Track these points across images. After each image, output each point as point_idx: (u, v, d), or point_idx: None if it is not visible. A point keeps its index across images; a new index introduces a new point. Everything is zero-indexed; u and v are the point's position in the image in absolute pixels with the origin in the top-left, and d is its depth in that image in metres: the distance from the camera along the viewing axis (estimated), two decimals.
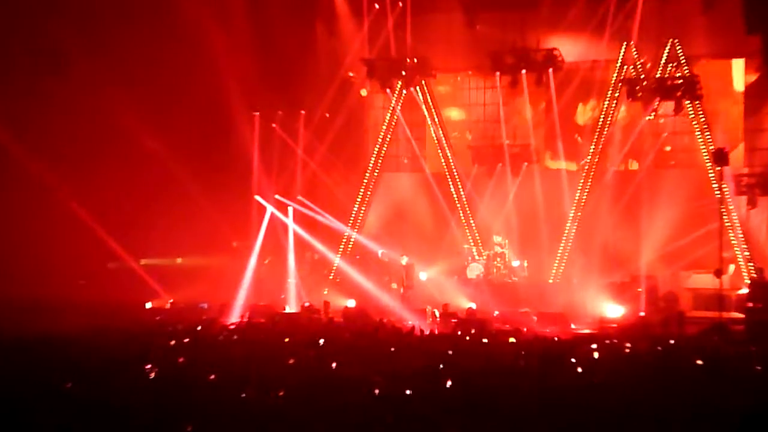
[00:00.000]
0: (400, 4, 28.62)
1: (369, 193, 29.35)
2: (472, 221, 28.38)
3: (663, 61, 26.54)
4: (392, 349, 14.45)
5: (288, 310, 25.10)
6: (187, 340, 15.54)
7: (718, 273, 21.40)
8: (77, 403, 9.72)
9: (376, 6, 28.83)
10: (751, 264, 25.06)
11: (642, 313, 23.08)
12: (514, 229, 27.58)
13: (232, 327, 18.84)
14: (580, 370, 12.56)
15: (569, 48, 27.43)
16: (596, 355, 14.31)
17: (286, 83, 28.45)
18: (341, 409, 9.56)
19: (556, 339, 16.93)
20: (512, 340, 16.65)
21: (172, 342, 15.01)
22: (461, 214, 28.50)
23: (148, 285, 25.90)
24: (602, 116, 27.52)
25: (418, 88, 28.81)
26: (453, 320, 21.49)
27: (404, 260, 25.78)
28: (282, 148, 29.14)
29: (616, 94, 27.20)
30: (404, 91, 28.97)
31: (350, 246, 28.81)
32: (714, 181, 25.12)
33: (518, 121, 29.55)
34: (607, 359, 13.95)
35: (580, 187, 27.32)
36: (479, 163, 29.14)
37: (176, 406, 9.67)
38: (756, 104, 27.44)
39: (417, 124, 30.01)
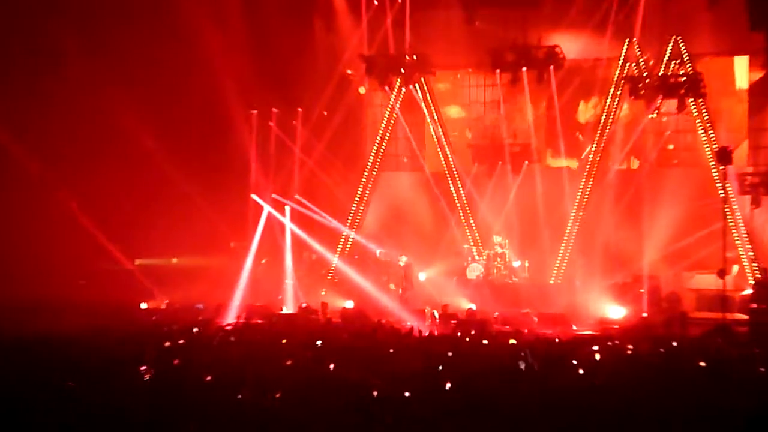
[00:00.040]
0: (399, 0, 28.64)
1: (367, 192, 29.33)
2: (472, 221, 28.37)
3: (666, 58, 26.52)
4: (391, 350, 14.47)
5: (285, 310, 25.10)
6: (182, 341, 15.54)
7: (722, 273, 21.43)
8: (72, 405, 9.73)
9: (375, 2, 28.80)
10: (755, 264, 25.04)
11: (644, 314, 23.10)
12: (515, 228, 27.57)
13: (229, 328, 18.85)
14: (581, 371, 12.58)
15: (571, 45, 27.41)
16: (598, 356, 14.33)
17: (284, 81, 28.45)
18: (339, 411, 9.57)
19: (557, 340, 16.95)
20: (513, 341, 16.66)
21: (168, 343, 15.01)
22: (461, 214, 28.49)
23: (144, 285, 25.91)
24: (604, 114, 27.52)
25: (417, 85, 28.79)
26: (453, 321, 21.51)
27: (403, 260, 25.79)
28: (279, 146, 29.17)
29: (619, 92, 27.19)
30: (403, 89, 28.96)
31: (348, 246, 28.81)
32: (717, 180, 25.07)
33: (519, 120, 29.57)
34: (609, 361, 13.97)
35: (581, 187, 27.33)
36: (479, 161, 29.13)
37: (172, 407, 9.68)
38: (760, 102, 27.43)
39: (416, 123, 30.00)
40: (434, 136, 29.37)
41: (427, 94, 29.03)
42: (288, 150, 29.21)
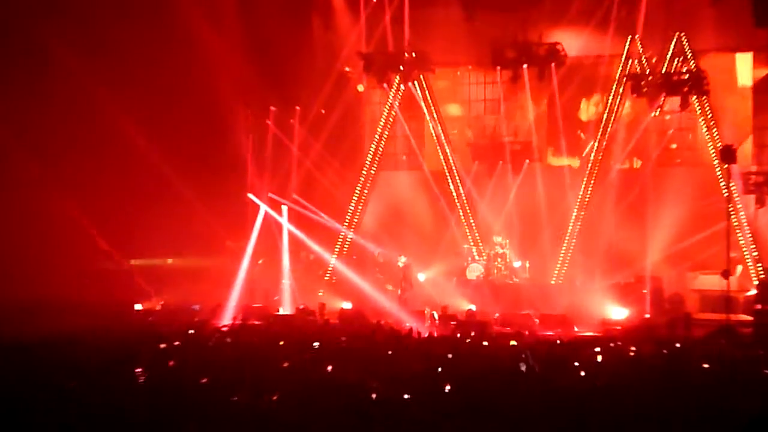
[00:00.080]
0: None
1: (366, 191, 29.33)
2: (472, 220, 28.38)
3: (669, 55, 26.52)
4: (390, 352, 14.46)
5: (282, 311, 25.09)
6: (178, 342, 15.53)
7: (726, 274, 21.40)
8: (66, 407, 9.73)
9: None
10: (760, 265, 25.02)
11: (647, 316, 23.09)
12: (516, 228, 27.57)
13: (225, 329, 18.84)
14: (583, 373, 12.57)
15: (572, 42, 27.43)
16: (600, 358, 14.32)
17: (281, 79, 28.43)
18: (337, 414, 9.57)
19: (558, 342, 16.94)
20: (513, 343, 16.65)
21: (163, 345, 15.00)
22: (461, 213, 28.49)
23: (139, 286, 25.90)
24: (606, 112, 27.53)
25: (416, 83, 28.79)
26: (452, 322, 21.51)
27: (402, 261, 25.78)
28: (276, 145, 29.16)
29: (621, 90, 27.19)
30: (402, 87, 28.96)
31: (347, 246, 28.81)
32: (721, 180, 25.11)
33: (520, 118, 29.58)
34: (611, 363, 13.97)
35: (583, 186, 27.33)
36: (479, 160, 29.15)
37: (167, 410, 9.68)
38: (765, 100, 27.48)
39: (415, 121, 30.01)
40: (433, 135, 29.36)
41: (427, 92, 29.03)
42: (285, 149, 29.21)
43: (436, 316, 22.60)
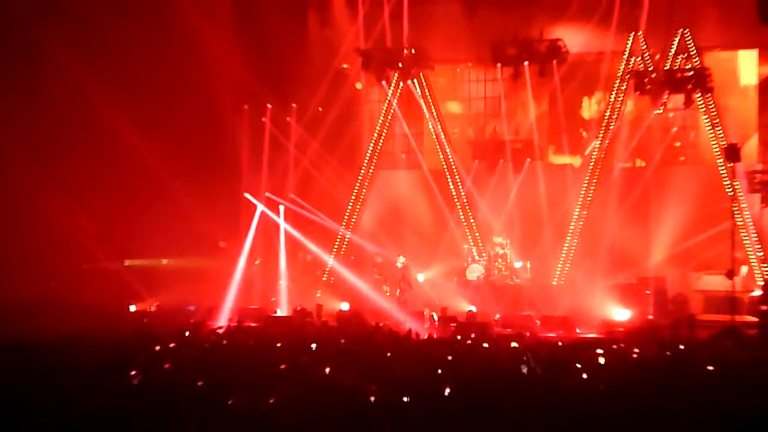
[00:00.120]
0: None
1: (364, 190, 29.36)
2: (472, 220, 28.39)
3: (672, 52, 26.56)
4: (388, 354, 14.45)
5: (279, 313, 25.10)
6: (173, 344, 15.52)
7: (730, 274, 21.42)
8: (57, 411, 9.72)
9: None
10: (765, 265, 25.09)
11: (650, 317, 23.11)
12: (516, 228, 27.60)
13: (221, 331, 18.82)
14: (585, 376, 12.57)
15: (574, 38, 27.43)
16: (602, 360, 14.31)
17: (278, 76, 28.43)
18: (335, 417, 9.56)
19: (560, 343, 16.94)
20: (514, 344, 16.65)
21: (158, 347, 15.00)
22: (461, 213, 28.51)
23: (133, 287, 25.89)
24: (608, 110, 27.56)
25: (415, 80, 28.81)
26: (452, 324, 21.48)
27: (400, 261, 25.78)
28: (273, 143, 29.14)
29: (623, 87, 27.23)
30: (401, 84, 28.99)
31: (344, 246, 28.81)
32: (726, 178, 25.14)
33: (521, 116, 29.60)
34: (614, 365, 13.94)
35: (585, 185, 27.34)
36: (479, 159, 29.15)
37: (162, 413, 9.67)
38: None
39: (414, 119, 30.04)
40: (433, 133, 29.38)
41: (426, 90, 29.06)
42: (282, 147, 29.20)
43: (436, 318, 22.59)
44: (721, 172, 25.63)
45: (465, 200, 28.52)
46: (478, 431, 9.39)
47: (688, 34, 26.39)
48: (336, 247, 28.71)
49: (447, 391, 11.05)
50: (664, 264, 25.53)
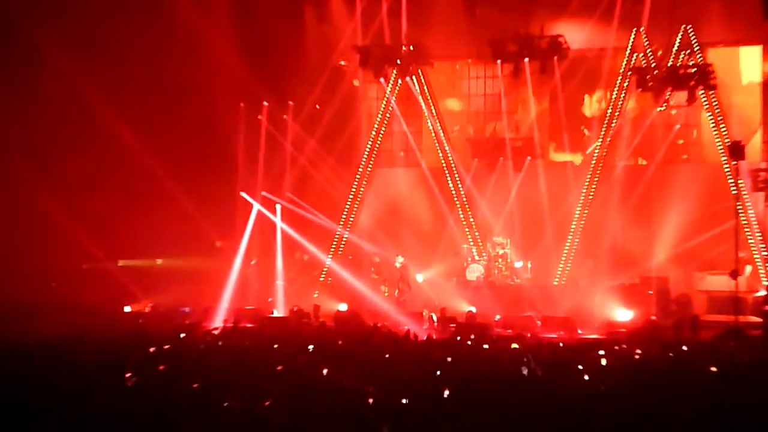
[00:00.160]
0: None
1: (362, 189, 29.37)
2: (471, 219, 28.40)
3: (675, 48, 26.56)
4: (387, 355, 14.46)
5: (276, 314, 25.12)
6: (168, 346, 15.53)
7: (734, 274, 21.46)
8: (56, 411, 9.74)
9: None
10: None
11: (653, 317, 23.11)
12: (517, 227, 27.60)
13: (217, 332, 18.82)
14: (587, 377, 12.58)
15: (575, 34, 27.43)
16: (604, 361, 14.33)
17: (274, 73, 28.43)
18: (333, 419, 9.57)
19: (561, 345, 16.96)
20: (515, 345, 16.66)
21: (153, 348, 15.01)
22: (460, 212, 28.52)
23: (127, 287, 25.89)
24: (610, 107, 27.57)
25: (414, 77, 28.81)
26: (452, 325, 21.52)
27: (399, 261, 25.79)
28: (269, 141, 29.15)
29: (625, 84, 27.24)
30: (399, 81, 28.99)
31: (342, 246, 28.82)
32: (729, 177, 25.12)
33: (521, 113, 29.62)
34: (616, 366, 13.96)
35: (586, 183, 27.35)
36: (479, 157, 29.17)
37: (157, 416, 9.68)
38: None
39: (413, 116, 30.06)
40: (432, 131, 29.38)
41: (425, 87, 29.06)
42: (278, 145, 29.20)
43: (435, 318, 22.61)
44: (724, 170, 25.64)
45: (464, 199, 28.53)
46: None
47: (691, 30, 26.40)
48: (333, 246, 28.71)
49: (446, 392, 11.06)
50: (667, 264, 25.53)
